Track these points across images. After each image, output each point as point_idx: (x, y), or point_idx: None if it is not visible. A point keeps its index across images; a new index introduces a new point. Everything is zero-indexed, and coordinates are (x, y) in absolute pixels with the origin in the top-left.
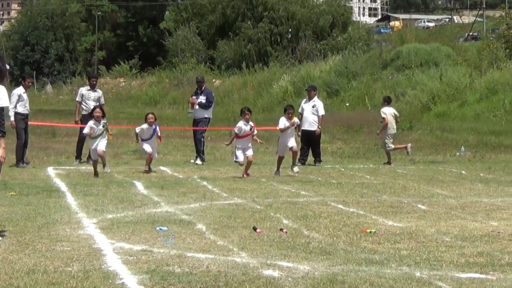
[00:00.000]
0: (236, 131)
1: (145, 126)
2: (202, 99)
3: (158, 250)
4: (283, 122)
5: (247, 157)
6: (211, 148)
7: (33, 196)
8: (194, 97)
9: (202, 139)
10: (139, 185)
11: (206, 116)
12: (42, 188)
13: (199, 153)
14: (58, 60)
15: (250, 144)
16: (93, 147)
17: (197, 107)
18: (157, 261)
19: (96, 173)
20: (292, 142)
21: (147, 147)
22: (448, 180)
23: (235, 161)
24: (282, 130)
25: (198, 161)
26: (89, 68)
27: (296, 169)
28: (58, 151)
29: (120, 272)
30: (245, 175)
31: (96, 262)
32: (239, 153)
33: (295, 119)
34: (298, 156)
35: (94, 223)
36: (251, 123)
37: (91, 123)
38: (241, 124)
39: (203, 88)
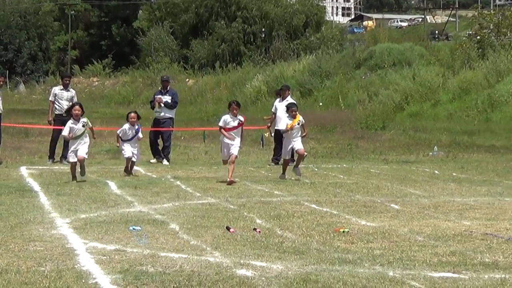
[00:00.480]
0: (220, 123)
1: (126, 126)
2: (167, 98)
3: (131, 249)
4: (285, 122)
5: (230, 156)
6: (184, 148)
7: (5, 196)
8: (159, 96)
9: (170, 140)
10: (113, 185)
11: (171, 116)
12: (15, 188)
13: (168, 154)
14: (31, 59)
15: (237, 142)
16: (72, 148)
17: (162, 105)
18: (131, 261)
19: (74, 177)
20: (298, 144)
21: (127, 151)
22: (421, 179)
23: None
24: (284, 132)
25: (165, 162)
26: (62, 68)
27: (298, 172)
28: (31, 151)
29: (93, 271)
30: (229, 180)
31: (69, 262)
32: (224, 150)
33: (299, 118)
34: (302, 160)
35: (67, 223)
36: (240, 117)
37: (69, 123)
38: (226, 117)
39: (168, 88)
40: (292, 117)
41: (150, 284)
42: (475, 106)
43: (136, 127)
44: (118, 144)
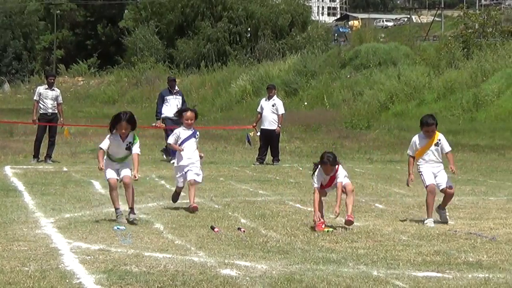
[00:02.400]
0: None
1: (180, 129)
2: (178, 99)
3: (115, 249)
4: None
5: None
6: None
7: None
8: (170, 96)
9: None
10: (97, 185)
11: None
12: None
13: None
14: (16, 58)
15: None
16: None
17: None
18: (115, 261)
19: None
20: (445, 179)
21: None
22: (405, 179)
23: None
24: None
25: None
26: (48, 67)
27: (443, 216)
28: (16, 150)
29: (77, 271)
30: (192, 207)
31: (53, 261)
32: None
33: (439, 136)
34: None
35: (51, 222)
36: (195, 131)
37: (179, 130)
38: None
39: (175, 87)
40: (427, 137)
41: (134, 284)
42: (460, 106)
43: (192, 131)
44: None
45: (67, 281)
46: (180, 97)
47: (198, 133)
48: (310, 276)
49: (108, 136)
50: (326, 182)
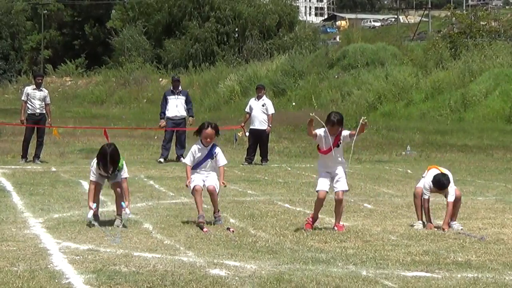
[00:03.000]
0: (185, 160)
1: (196, 147)
2: (181, 100)
3: (104, 249)
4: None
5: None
6: (158, 148)
7: None
8: (171, 97)
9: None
10: (86, 185)
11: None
12: None
13: (181, 155)
14: (3, 58)
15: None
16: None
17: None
18: (104, 261)
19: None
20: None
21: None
22: (394, 179)
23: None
24: None
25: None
26: (35, 67)
27: (457, 227)
28: (4, 150)
29: (66, 271)
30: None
31: (42, 261)
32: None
33: None
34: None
35: (40, 222)
36: (219, 149)
37: (195, 148)
38: (195, 148)
39: (179, 87)
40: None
41: (123, 284)
42: (448, 106)
43: (208, 149)
44: (188, 182)
45: (56, 281)
46: (184, 97)
47: (216, 150)
48: (299, 276)
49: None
50: (333, 141)
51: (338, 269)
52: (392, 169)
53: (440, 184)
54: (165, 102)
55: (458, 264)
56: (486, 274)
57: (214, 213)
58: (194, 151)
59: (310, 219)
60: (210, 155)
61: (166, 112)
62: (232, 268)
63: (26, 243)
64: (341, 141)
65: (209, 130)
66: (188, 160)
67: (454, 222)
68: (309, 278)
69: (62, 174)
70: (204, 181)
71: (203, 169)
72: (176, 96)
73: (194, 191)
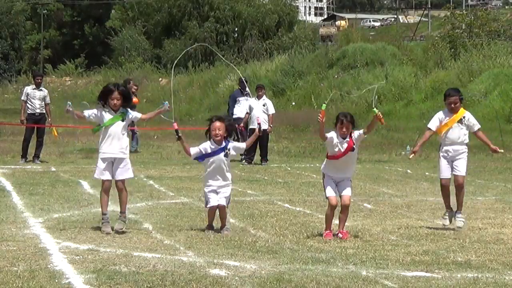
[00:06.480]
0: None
1: (207, 144)
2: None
3: (104, 249)
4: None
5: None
6: (157, 147)
7: None
8: (241, 98)
9: None
10: (85, 184)
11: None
12: None
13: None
14: (3, 58)
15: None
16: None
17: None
18: (104, 261)
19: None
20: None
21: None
22: (393, 179)
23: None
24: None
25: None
26: (35, 67)
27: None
28: (4, 150)
29: (66, 271)
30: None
31: (42, 261)
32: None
33: (465, 113)
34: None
35: (40, 222)
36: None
37: (207, 144)
38: (206, 145)
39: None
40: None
41: (123, 284)
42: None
43: (223, 144)
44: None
45: (56, 281)
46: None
47: (231, 147)
48: (299, 276)
49: None
50: (343, 148)
51: (338, 269)
52: (391, 169)
53: (447, 92)
54: (233, 103)
55: (458, 264)
56: (486, 274)
57: (221, 228)
58: (204, 146)
59: (328, 231)
60: (223, 150)
61: (237, 113)
62: (232, 268)
63: (26, 243)
64: (354, 145)
65: (217, 123)
66: (193, 150)
67: (460, 215)
68: (309, 278)
69: (62, 174)
70: (218, 201)
71: (217, 175)
72: (246, 97)
73: (210, 211)
